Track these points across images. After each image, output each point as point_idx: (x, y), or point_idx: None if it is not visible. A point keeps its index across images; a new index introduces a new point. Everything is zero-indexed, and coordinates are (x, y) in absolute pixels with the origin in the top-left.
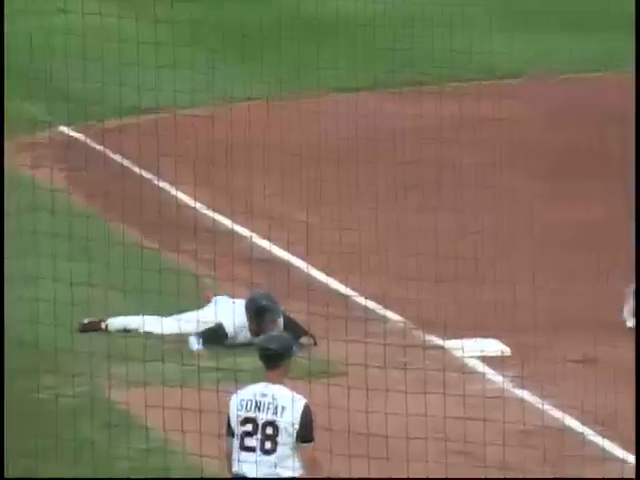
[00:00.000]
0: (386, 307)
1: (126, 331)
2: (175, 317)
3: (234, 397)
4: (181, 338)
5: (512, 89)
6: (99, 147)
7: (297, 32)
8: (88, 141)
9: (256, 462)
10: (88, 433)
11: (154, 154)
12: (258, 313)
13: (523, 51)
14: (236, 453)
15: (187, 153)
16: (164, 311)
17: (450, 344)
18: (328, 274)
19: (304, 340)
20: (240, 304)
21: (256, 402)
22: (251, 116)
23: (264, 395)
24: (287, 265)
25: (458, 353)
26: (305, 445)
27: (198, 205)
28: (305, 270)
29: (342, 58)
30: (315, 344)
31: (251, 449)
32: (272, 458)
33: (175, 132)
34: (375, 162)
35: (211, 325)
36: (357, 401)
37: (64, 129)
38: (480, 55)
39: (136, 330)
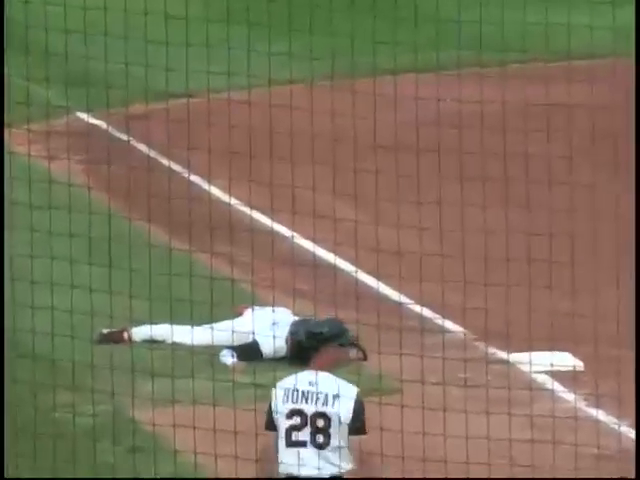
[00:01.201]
0: (445, 316)
1: (152, 342)
2: (207, 327)
3: (276, 388)
4: (213, 350)
5: (589, 71)
6: (122, 136)
7: (349, 4)
8: (110, 129)
9: (307, 458)
10: (109, 457)
11: (184, 144)
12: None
13: (603, 27)
14: (282, 451)
15: (222, 143)
16: (195, 320)
17: (516, 358)
18: (380, 279)
19: (352, 354)
20: (281, 316)
21: (303, 392)
22: (295, 100)
23: (311, 384)
24: (333, 269)
25: (525, 368)
26: (357, 438)
27: (234, 201)
28: (354, 274)
29: (401, 34)
30: (365, 358)
31: (301, 444)
32: (325, 452)
33: (208, 119)
34: (436, 152)
35: (247, 341)
36: (412, 422)
37: (83, 116)
38: (554, 30)
39: (163, 341)
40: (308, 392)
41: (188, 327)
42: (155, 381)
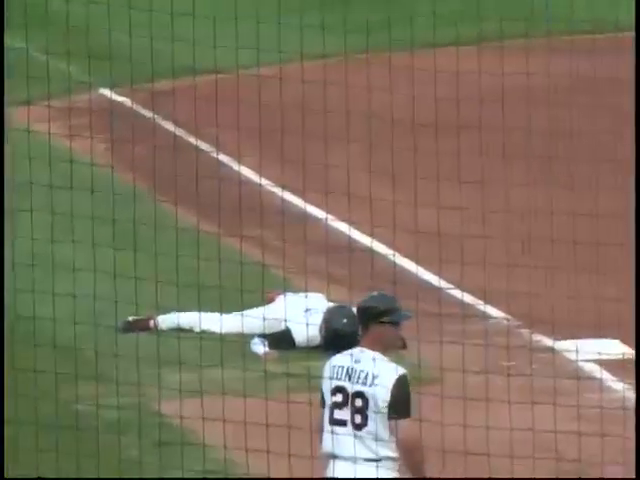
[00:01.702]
0: (487, 302)
1: (179, 330)
2: (237, 314)
3: (328, 363)
4: (244, 339)
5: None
6: (148, 114)
7: None
8: (135, 106)
9: (344, 438)
10: (135, 452)
11: (213, 122)
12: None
13: None
14: (325, 426)
15: (252, 120)
16: (224, 308)
17: (562, 345)
18: (418, 263)
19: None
20: (315, 302)
21: (347, 369)
22: (329, 75)
23: (357, 361)
24: (370, 252)
25: (572, 356)
26: (400, 421)
27: (264, 182)
28: (391, 258)
29: (440, 5)
30: (404, 347)
31: (342, 422)
32: (362, 433)
33: (237, 96)
34: (478, 128)
35: (279, 329)
36: (453, 413)
37: (106, 92)
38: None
39: (191, 329)
40: (352, 370)
41: (217, 314)
42: (183, 371)
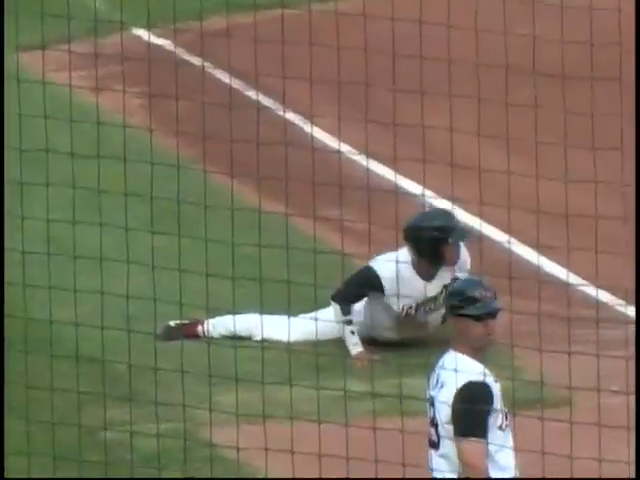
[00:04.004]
0: (629, 302)
1: (235, 338)
2: (309, 316)
3: None
4: (315, 348)
5: None
6: (195, 60)
7: None
8: (178, 51)
9: (433, 460)
10: None
11: (278, 71)
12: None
13: None
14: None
15: (328, 70)
16: (293, 309)
17: None
18: (540, 251)
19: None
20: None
21: (437, 375)
22: (425, 13)
23: (442, 366)
24: (478, 237)
25: None
26: (460, 440)
27: (344, 147)
28: (505, 245)
29: None
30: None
31: (431, 444)
32: (436, 456)
33: (309, 38)
34: (618, 80)
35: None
36: (586, 443)
37: (142, 33)
38: None
39: (250, 337)
40: (438, 375)
41: (283, 318)
42: (240, 390)
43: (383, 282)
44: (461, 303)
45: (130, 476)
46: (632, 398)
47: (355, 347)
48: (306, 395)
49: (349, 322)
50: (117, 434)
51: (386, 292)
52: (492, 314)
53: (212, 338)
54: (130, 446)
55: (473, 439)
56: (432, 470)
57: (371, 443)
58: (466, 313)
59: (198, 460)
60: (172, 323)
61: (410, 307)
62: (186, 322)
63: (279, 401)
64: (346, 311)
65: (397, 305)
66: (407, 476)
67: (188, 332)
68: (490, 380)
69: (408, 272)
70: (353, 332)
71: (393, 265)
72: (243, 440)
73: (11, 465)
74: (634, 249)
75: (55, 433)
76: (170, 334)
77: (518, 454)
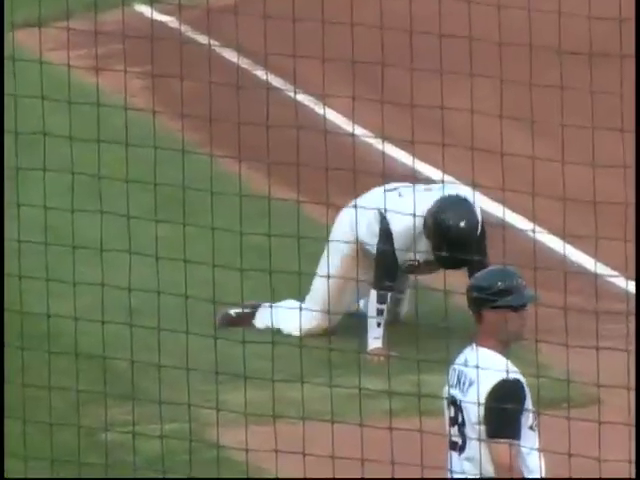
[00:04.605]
0: None
1: (275, 332)
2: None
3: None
4: (327, 344)
5: None
6: (201, 38)
7: None
8: (183, 29)
9: (453, 462)
10: None
11: (289, 49)
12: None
13: None
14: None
15: (342, 48)
16: (302, 298)
17: None
18: (566, 240)
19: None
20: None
21: (458, 373)
22: None
23: (466, 363)
24: (500, 225)
25: None
26: (494, 442)
27: (359, 130)
28: (529, 233)
29: None
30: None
31: (453, 446)
32: (461, 459)
33: (322, 14)
34: None
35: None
36: (617, 445)
37: (144, 10)
38: None
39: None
40: (461, 373)
41: (292, 305)
42: (248, 388)
43: (394, 235)
44: (494, 296)
45: (132, 478)
46: None
47: (375, 341)
48: (318, 393)
49: (380, 312)
50: (118, 435)
51: (395, 245)
52: (527, 303)
53: (258, 330)
54: (132, 448)
55: (507, 440)
56: (452, 472)
57: (387, 444)
58: (502, 304)
59: (204, 462)
60: (232, 312)
61: (414, 261)
62: (247, 311)
63: (290, 400)
64: (382, 299)
65: (401, 259)
66: (425, 476)
67: (245, 322)
68: (523, 378)
69: (419, 230)
70: (379, 324)
71: (407, 220)
72: (252, 441)
73: (9, 468)
74: None
75: (53, 434)
76: (229, 323)
77: (543, 455)
